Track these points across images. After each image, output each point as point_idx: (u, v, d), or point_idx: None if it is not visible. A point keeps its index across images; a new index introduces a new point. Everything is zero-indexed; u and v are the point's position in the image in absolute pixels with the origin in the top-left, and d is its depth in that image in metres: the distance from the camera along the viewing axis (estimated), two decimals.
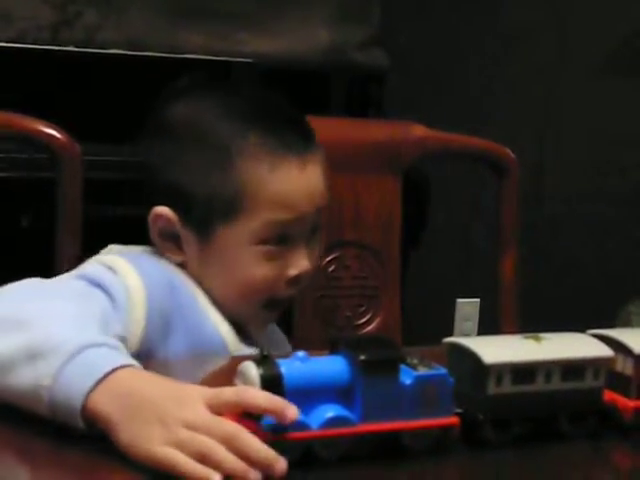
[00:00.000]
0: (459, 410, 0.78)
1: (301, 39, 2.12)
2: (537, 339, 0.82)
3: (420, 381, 0.76)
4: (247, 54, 2.06)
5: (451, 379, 0.77)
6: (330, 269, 1.37)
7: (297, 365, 0.75)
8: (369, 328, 1.38)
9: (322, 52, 2.15)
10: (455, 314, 2.72)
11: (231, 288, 1.07)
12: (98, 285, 0.98)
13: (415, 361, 0.77)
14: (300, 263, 1.08)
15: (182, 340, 1.04)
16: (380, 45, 2.21)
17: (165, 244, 1.08)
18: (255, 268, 1.06)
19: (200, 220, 1.06)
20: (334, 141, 1.37)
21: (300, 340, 1.32)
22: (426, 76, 2.54)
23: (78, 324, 0.84)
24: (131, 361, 0.79)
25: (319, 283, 1.35)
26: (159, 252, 1.09)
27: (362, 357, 0.75)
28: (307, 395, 0.74)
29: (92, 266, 1.04)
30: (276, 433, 0.72)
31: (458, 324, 2.71)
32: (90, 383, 0.76)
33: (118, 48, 2.00)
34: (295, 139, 1.07)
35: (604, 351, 0.82)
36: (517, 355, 0.79)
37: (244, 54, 2.06)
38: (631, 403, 0.83)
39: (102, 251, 1.10)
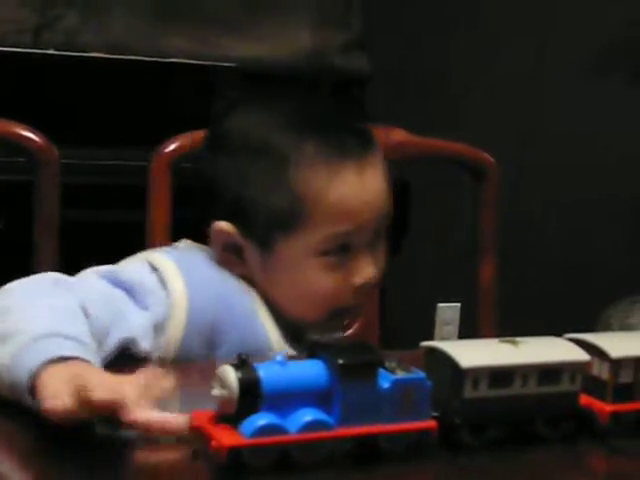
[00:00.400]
0: (436, 414, 0.79)
1: (283, 43, 2.13)
2: (514, 343, 0.82)
3: (398, 385, 0.76)
4: (229, 58, 2.06)
5: (429, 383, 0.77)
6: None
7: (275, 369, 0.75)
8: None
9: (304, 56, 2.15)
10: (436, 318, 2.72)
11: (296, 299, 1.06)
12: (125, 288, 0.99)
13: (393, 365, 0.77)
14: (365, 271, 1.06)
15: (233, 350, 1.02)
16: (362, 49, 2.22)
17: (228, 257, 1.07)
18: (319, 280, 1.05)
19: (261, 232, 1.05)
20: None
21: None
22: (408, 80, 2.55)
23: (59, 317, 0.85)
24: (92, 358, 0.81)
25: None
26: (220, 263, 1.08)
27: (340, 361, 0.75)
28: (285, 399, 0.75)
29: (135, 264, 1.05)
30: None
31: (439, 328, 2.72)
32: (41, 361, 0.78)
33: (99, 51, 1.99)
34: (351, 143, 1.06)
35: (580, 355, 0.82)
36: (494, 359, 0.80)
37: (226, 58, 2.06)
38: (607, 407, 0.83)
39: (174, 244, 1.11)
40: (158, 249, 1.10)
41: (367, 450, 0.76)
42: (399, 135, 1.40)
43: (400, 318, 2.31)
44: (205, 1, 2.04)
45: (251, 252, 1.06)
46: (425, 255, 2.62)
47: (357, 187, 1.05)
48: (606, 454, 0.84)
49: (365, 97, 2.23)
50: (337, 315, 1.09)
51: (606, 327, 2.49)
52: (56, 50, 1.99)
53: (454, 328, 2.69)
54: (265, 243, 1.05)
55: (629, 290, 2.61)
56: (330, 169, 1.04)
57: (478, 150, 1.44)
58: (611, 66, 2.68)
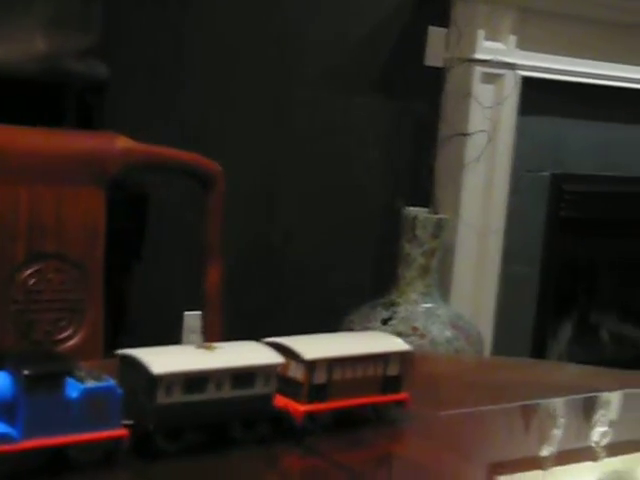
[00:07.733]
0: (131, 422, 0.78)
1: (14, 46, 2.05)
2: (210, 348, 0.83)
3: (86, 394, 0.75)
4: None
5: (119, 391, 0.77)
6: (30, 282, 1.33)
7: None
8: (71, 343, 1.35)
9: (38, 60, 2.08)
10: (183, 326, 2.72)
11: None
12: None
13: (83, 374, 0.76)
14: None
15: None
16: (100, 55, 2.18)
17: None
18: None
19: None
20: (35, 151, 1.34)
21: None
22: (151, 89, 2.53)
23: None
24: None
25: (17, 297, 1.30)
26: None
27: (25, 372, 0.73)
28: None
29: None
30: None
31: (186, 337, 2.71)
32: None
33: None
34: None
35: (273, 358, 0.84)
36: (187, 364, 0.80)
37: None
38: (302, 408, 0.86)
39: None
40: None
41: (57, 462, 0.75)
42: (123, 142, 1.39)
43: (149, 328, 2.29)
44: None
45: None
46: (172, 264, 2.61)
47: None
48: (301, 454, 0.86)
49: (104, 105, 2.19)
50: None
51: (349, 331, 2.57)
52: None
53: (198, 336, 2.69)
54: None
55: (371, 295, 2.71)
56: None
57: (205, 158, 1.45)
58: (355, 79, 2.78)
